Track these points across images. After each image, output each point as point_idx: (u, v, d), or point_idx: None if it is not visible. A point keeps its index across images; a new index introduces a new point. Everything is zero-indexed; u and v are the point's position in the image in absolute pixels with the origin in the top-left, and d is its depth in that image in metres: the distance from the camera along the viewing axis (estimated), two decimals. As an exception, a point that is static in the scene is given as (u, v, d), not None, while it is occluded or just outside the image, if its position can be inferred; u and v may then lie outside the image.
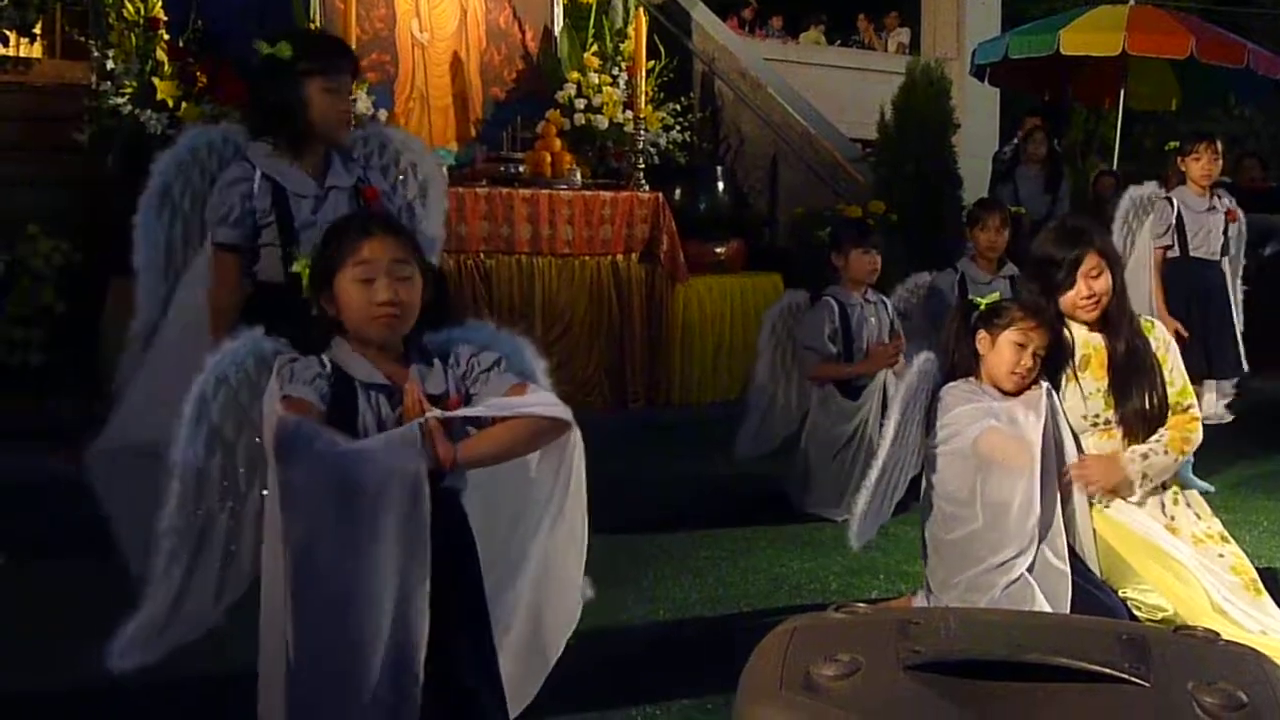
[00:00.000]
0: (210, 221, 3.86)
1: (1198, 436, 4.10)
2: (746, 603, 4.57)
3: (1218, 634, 2.31)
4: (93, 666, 2.78)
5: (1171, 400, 4.12)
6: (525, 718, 3.21)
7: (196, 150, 3.96)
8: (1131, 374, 4.08)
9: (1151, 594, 3.97)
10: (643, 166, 8.75)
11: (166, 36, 7.44)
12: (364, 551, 2.55)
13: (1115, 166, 9.64)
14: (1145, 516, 4.03)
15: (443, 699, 2.69)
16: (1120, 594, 3.98)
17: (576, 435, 2.87)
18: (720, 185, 9.64)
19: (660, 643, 4.18)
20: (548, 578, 3.01)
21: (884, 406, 5.49)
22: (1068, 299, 4.08)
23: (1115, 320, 4.12)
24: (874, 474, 3.86)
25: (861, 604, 2.40)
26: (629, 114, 9.07)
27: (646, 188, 8.63)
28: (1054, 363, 4.02)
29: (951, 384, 3.94)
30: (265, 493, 2.75)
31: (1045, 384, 3.94)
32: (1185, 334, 6.07)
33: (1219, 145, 6.37)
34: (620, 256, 8.32)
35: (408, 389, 2.70)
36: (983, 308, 4.00)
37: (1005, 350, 3.91)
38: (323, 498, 2.55)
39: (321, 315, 2.80)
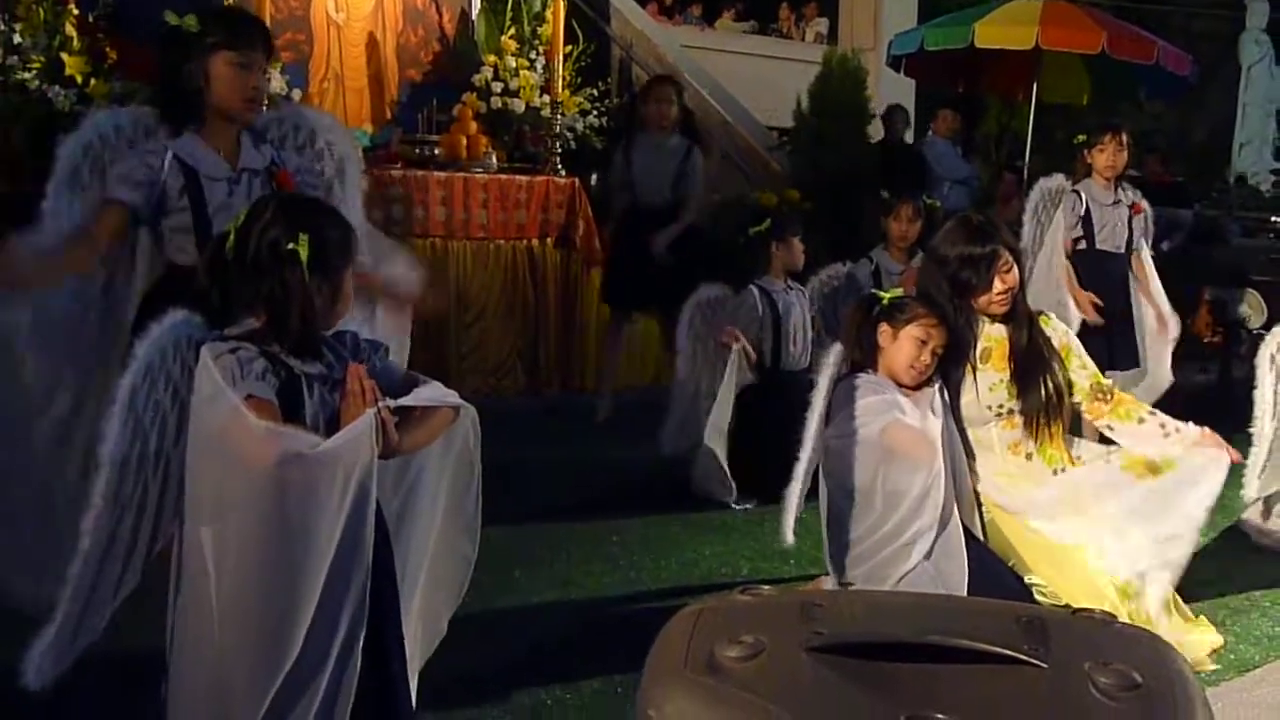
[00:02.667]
0: (110, 181, 3.73)
1: None
2: (658, 587, 4.59)
3: (1114, 616, 2.36)
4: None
5: (1091, 383, 4.25)
6: (437, 701, 3.23)
7: (104, 133, 3.86)
8: (1032, 364, 4.19)
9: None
10: (559, 151, 8.71)
11: (76, 11, 7.29)
12: (320, 548, 2.53)
13: (1027, 159, 9.75)
14: (1032, 492, 4.14)
15: (366, 684, 2.67)
16: (1026, 579, 4.05)
17: (468, 418, 2.88)
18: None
19: (572, 627, 4.19)
20: (438, 555, 3.02)
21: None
22: (983, 297, 4.15)
23: (1018, 312, 4.21)
24: (800, 467, 3.88)
25: (767, 586, 2.42)
26: (546, 98, 9.03)
27: (563, 172, 8.60)
28: (952, 359, 4.07)
29: (859, 375, 3.97)
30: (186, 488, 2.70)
31: (939, 382, 4.00)
32: (1099, 315, 6.21)
33: (1124, 137, 6.45)
34: (536, 241, 8.28)
35: (353, 374, 2.65)
36: (885, 301, 4.03)
37: (906, 345, 3.95)
38: (288, 498, 2.53)
39: (308, 300, 2.70)
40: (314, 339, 2.74)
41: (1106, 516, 4.03)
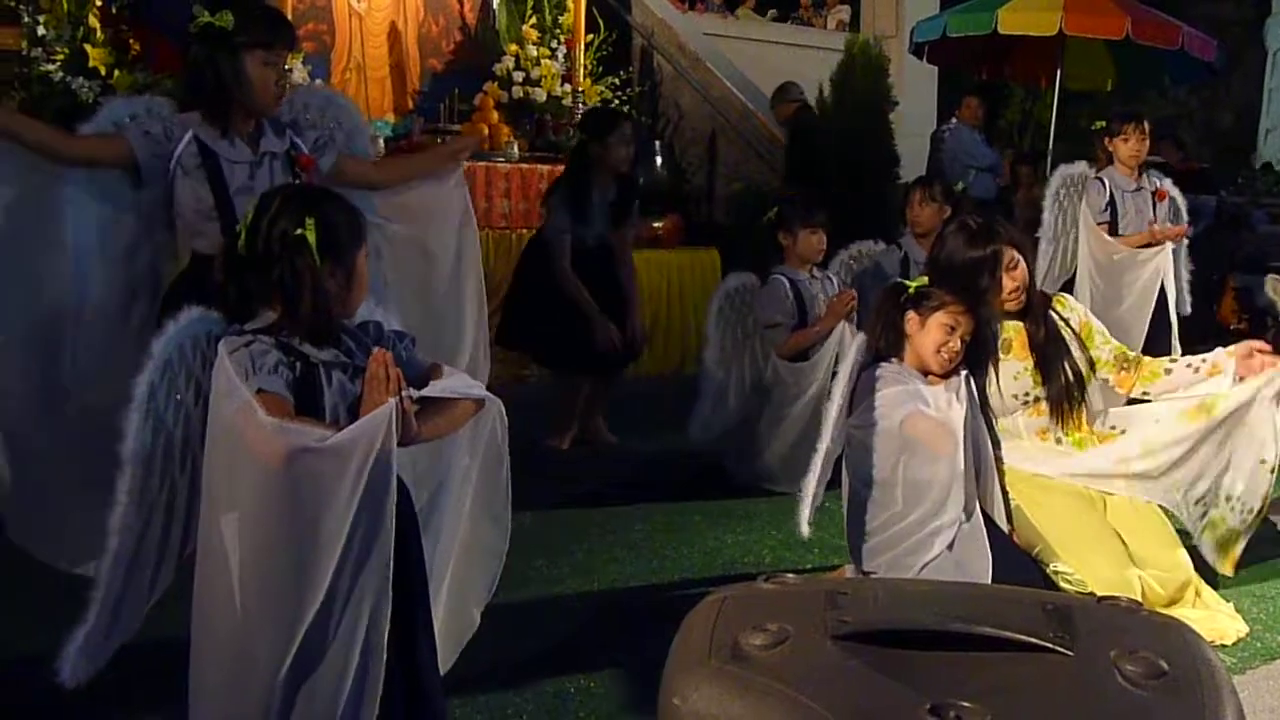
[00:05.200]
0: (125, 128, 3.80)
1: None
2: (681, 575, 4.59)
3: (1140, 604, 2.35)
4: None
5: (1115, 355, 4.28)
6: (462, 689, 3.23)
7: (120, 122, 3.88)
8: (1052, 352, 4.22)
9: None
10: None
11: (99, 3, 7.33)
12: (336, 537, 2.53)
13: (1051, 146, 9.71)
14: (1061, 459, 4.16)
15: (394, 672, 2.68)
16: (1050, 568, 4.05)
17: (498, 409, 2.89)
18: (658, 160, 9.63)
19: (594, 615, 4.20)
20: (467, 546, 3.04)
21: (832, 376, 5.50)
22: (996, 297, 4.15)
23: (1032, 304, 4.22)
24: (818, 458, 3.86)
25: (791, 574, 2.42)
26: (567, 87, 9.05)
27: (584, 162, 8.59)
28: (979, 350, 4.05)
29: (881, 364, 3.95)
30: (204, 483, 2.70)
31: (965, 371, 3.98)
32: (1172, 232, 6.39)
33: (1146, 126, 6.43)
34: (558, 230, 8.27)
35: (377, 360, 2.63)
36: (911, 290, 4.02)
37: (934, 332, 3.92)
38: (304, 490, 2.53)
39: (318, 285, 2.70)
40: (330, 325, 2.74)
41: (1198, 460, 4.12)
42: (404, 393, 2.58)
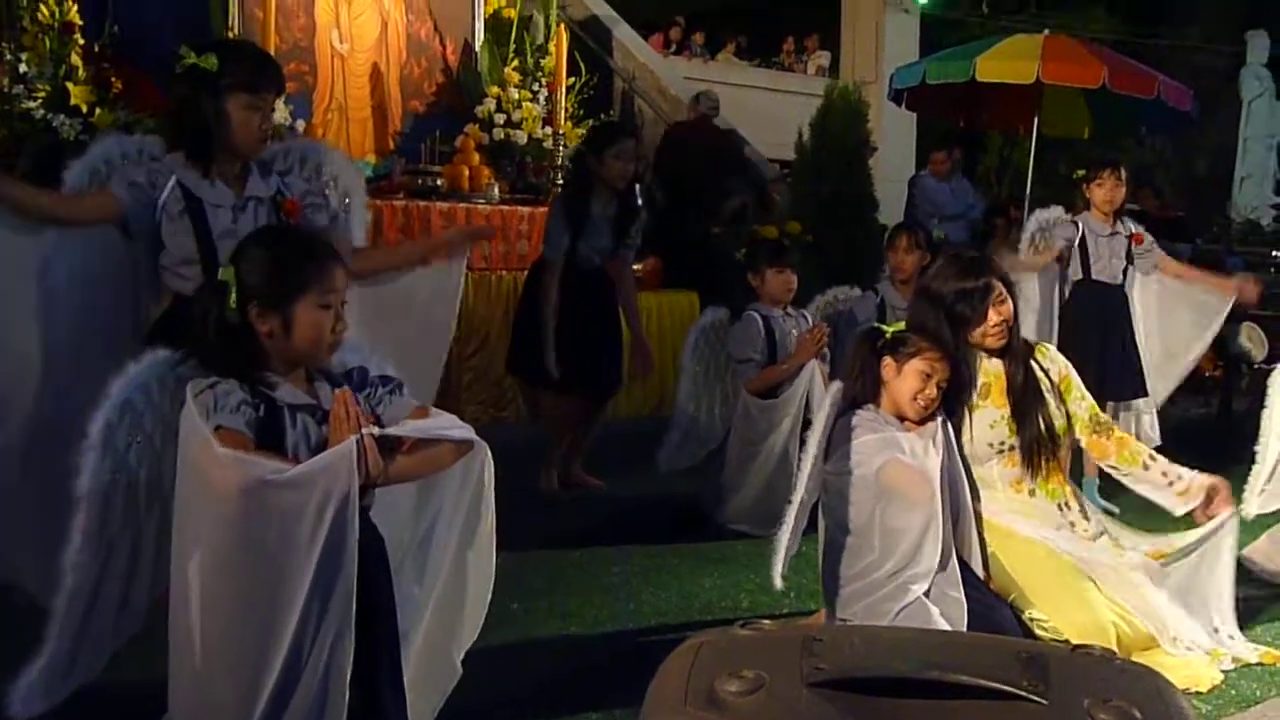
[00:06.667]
0: (112, 182, 3.78)
1: None
2: (658, 619, 4.57)
3: (1115, 652, 2.36)
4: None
5: (1090, 415, 4.29)
6: (434, 732, 3.21)
7: (110, 159, 3.88)
8: (1030, 400, 4.23)
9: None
10: (561, 182, 8.74)
11: (82, 41, 7.33)
12: (296, 575, 2.52)
13: (1028, 192, 9.78)
14: (1046, 527, 4.17)
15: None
16: (1026, 615, 4.05)
17: (485, 455, 2.88)
18: (639, 202, 9.64)
19: (571, 659, 4.17)
20: (455, 592, 3.01)
21: (805, 414, 5.52)
22: (978, 329, 4.18)
23: (1014, 346, 4.25)
24: (793, 510, 3.86)
25: (767, 620, 2.42)
26: (548, 130, 9.08)
27: (565, 204, 8.61)
28: (954, 394, 4.08)
29: (858, 411, 3.96)
30: (174, 523, 2.70)
31: (941, 416, 4.00)
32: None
33: (1122, 172, 6.51)
34: (538, 272, 8.28)
35: (339, 400, 2.65)
36: (888, 335, 4.04)
37: (911, 379, 3.94)
38: (262, 525, 2.53)
39: (247, 333, 2.73)
40: (256, 367, 2.72)
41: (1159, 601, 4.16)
42: (365, 431, 2.58)
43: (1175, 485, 4.26)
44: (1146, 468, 4.32)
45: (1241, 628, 4.39)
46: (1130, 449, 4.35)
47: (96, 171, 3.89)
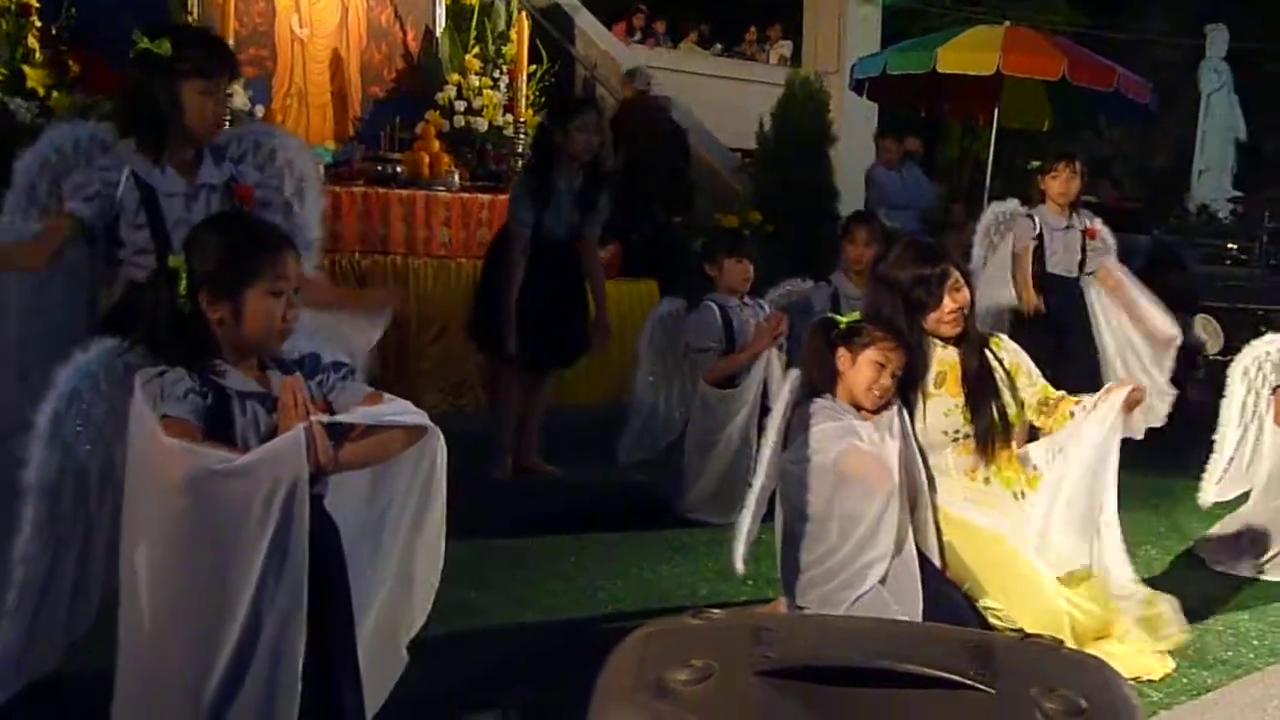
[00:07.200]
0: (65, 193, 3.70)
1: None
2: (614, 608, 4.58)
3: (1063, 642, 2.37)
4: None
5: (1039, 398, 4.29)
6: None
7: (62, 149, 3.83)
8: (984, 388, 4.23)
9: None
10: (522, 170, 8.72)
11: (39, 24, 7.27)
12: (245, 564, 2.51)
13: (988, 183, 9.84)
14: (1000, 515, 4.17)
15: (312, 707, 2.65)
16: (980, 604, 4.08)
17: (437, 441, 2.85)
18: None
19: (525, 647, 4.17)
20: (404, 578, 2.99)
21: (762, 402, 5.53)
22: (933, 315, 4.18)
23: (970, 334, 4.26)
24: (753, 495, 3.87)
25: (716, 609, 2.42)
26: (509, 117, 9.06)
27: (526, 192, 8.59)
28: (908, 382, 4.09)
29: (816, 400, 3.97)
30: (122, 513, 2.68)
31: (897, 404, 4.01)
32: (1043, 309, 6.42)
33: (1078, 165, 6.55)
34: (497, 260, 8.27)
35: (287, 388, 2.65)
36: (842, 326, 4.05)
37: (865, 369, 3.96)
38: (209, 516, 2.51)
39: (198, 321, 2.71)
40: (205, 354, 2.70)
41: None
42: (313, 418, 2.57)
43: (1088, 407, 4.22)
44: (1072, 415, 4.28)
45: (1199, 619, 4.44)
46: (1063, 409, 4.30)
47: (47, 162, 3.82)
